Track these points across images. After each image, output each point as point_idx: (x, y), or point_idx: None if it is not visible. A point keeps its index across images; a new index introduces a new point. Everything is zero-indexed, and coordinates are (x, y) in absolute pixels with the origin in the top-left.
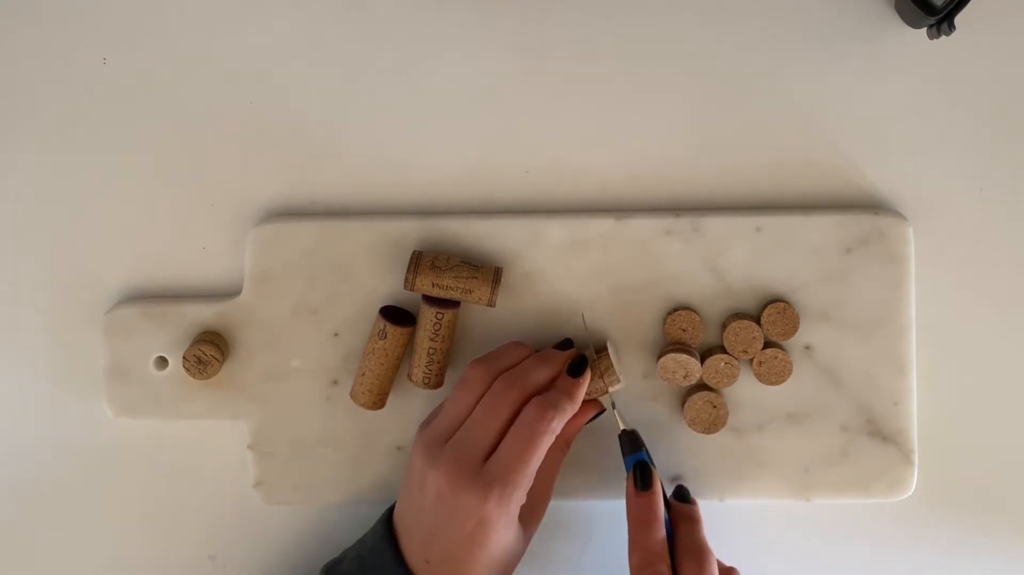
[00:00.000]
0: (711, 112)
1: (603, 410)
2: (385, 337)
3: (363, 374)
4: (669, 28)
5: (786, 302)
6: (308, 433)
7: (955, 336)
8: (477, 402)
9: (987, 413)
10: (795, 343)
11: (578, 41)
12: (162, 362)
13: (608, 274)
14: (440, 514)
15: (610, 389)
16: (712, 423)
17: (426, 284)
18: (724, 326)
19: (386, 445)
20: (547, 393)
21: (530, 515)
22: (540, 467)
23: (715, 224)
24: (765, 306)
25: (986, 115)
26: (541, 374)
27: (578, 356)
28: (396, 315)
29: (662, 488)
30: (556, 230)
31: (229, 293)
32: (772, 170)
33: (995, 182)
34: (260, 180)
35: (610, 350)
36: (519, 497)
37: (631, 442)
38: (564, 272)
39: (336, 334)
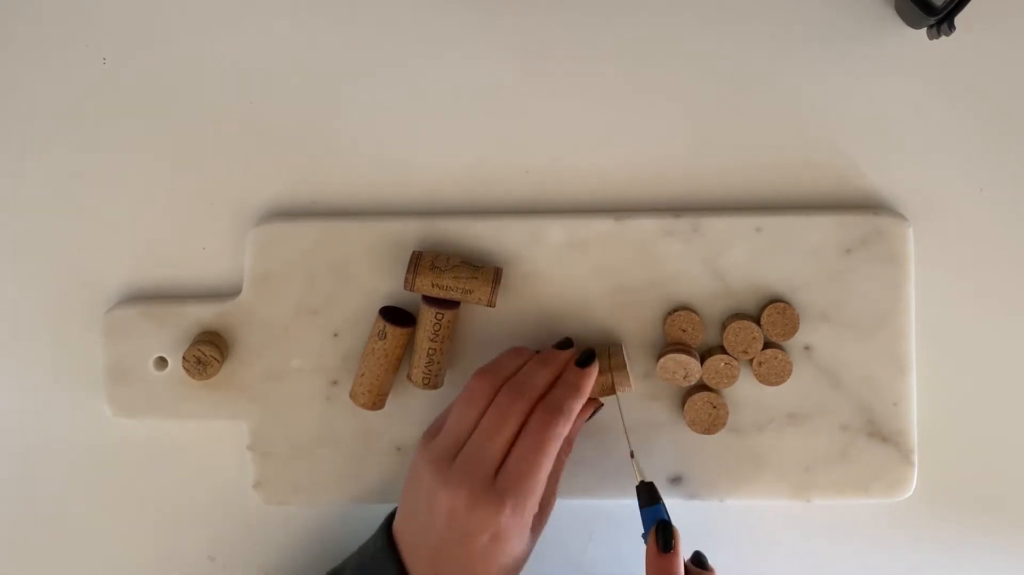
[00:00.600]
0: (711, 112)
1: (601, 406)
2: (385, 337)
3: (363, 374)
4: (669, 28)
5: (786, 302)
6: (308, 433)
7: (955, 336)
8: (482, 414)
9: (987, 413)
10: (795, 343)
11: (578, 41)
12: (162, 362)
13: (608, 274)
14: (451, 531)
15: (619, 390)
16: (712, 423)
17: (426, 284)
18: (724, 326)
19: (386, 445)
20: (551, 395)
21: (537, 518)
22: None
23: (715, 224)
24: (765, 306)
25: (986, 115)
26: (544, 377)
27: (587, 349)
28: (396, 315)
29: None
30: (556, 230)
31: (229, 293)
32: (772, 170)
33: (995, 182)
34: (260, 180)
35: (624, 352)
36: (532, 506)
37: (649, 494)
38: (564, 272)
39: (336, 334)
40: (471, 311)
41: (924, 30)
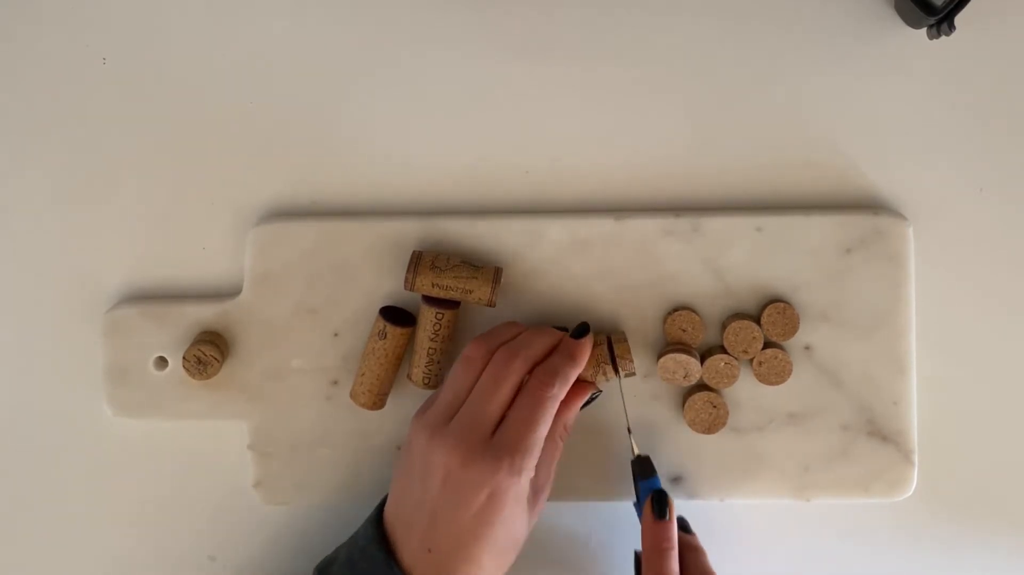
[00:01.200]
0: (711, 112)
1: (599, 391)
2: (385, 337)
3: (363, 374)
4: (669, 28)
5: (786, 302)
6: (308, 433)
7: (955, 336)
8: (477, 378)
9: (987, 413)
10: (795, 343)
11: (578, 41)
12: (162, 362)
13: (608, 274)
14: (446, 496)
15: (623, 374)
16: (712, 423)
17: (426, 284)
18: (724, 326)
19: (386, 445)
20: (548, 361)
21: (533, 499)
22: (543, 451)
23: (715, 224)
24: (765, 306)
25: (986, 115)
26: (540, 343)
27: (582, 323)
28: (396, 315)
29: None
30: (556, 230)
31: (229, 293)
32: (772, 170)
33: (995, 182)
34: (260, 180)
35: (626, 338)
36: (529, 467)
37: (644, 468)
38: (564, 272)
39: (336, 334)
40: (471, 311)
41: (924, 30)
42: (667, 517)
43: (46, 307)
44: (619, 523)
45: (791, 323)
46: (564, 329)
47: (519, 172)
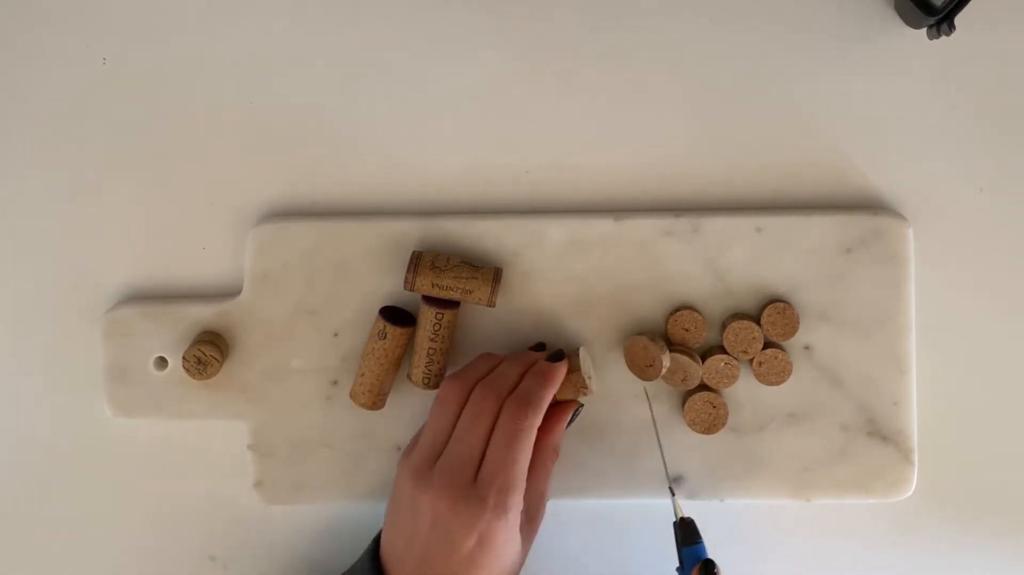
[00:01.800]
0: (711, 112)
1: (581, 407)
2: (385, 337)
3: (363, 374)
4: (669, 28)
5: (786, 302)
6: (308, 433)
7: (955, 336)
8: (456, 417)
9: (987, 413)
10: (795, 343)
11: (578, 41)
12: (162, 362)
13: (608, 274)
14: (436, 538)
15: (579, 396)
16: (712, 423)
17: (426, 284)
18: (724, 326)
19: (386, 445)
20: (520, 387)
21: (527, 527)
22: (532, 478)
23: (715, 224)
24: (765, 306)
25: (986, 115)
26: (517, 375)
27: (557, 351)
28: (396, 315)
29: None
30: (556, 230)
31: (229, 293)
32: (772, 170)
33: (995, 182)
34: (260, 180)
35: (582, 354)
36: (515, 503)
37: (688, 533)
38: (564, 272)
39: (336, 334)
40: (471, 311)
41: (924, 30)
42: None
43: (46, 307)
44: (617, 521)
45: (791, 323)
46: (543, 346)
47: (519, 172)
